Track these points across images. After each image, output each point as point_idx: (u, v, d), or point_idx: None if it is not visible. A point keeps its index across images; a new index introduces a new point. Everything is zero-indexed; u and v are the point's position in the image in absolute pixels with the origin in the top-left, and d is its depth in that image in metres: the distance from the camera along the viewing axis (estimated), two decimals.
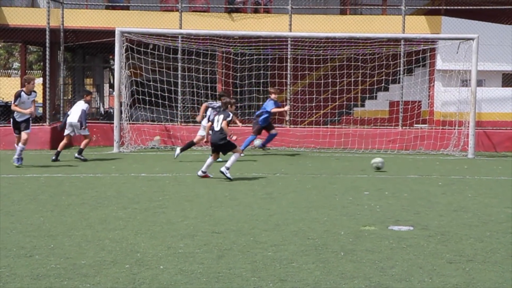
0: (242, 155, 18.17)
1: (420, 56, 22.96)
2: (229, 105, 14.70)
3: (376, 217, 10.41)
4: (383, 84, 24.41)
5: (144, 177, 14.85)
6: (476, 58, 20.25)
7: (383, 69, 23.01)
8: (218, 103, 16.86)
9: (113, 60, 22.94)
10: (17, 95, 16.18)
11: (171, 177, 14.84)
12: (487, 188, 13.84)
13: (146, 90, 22.08)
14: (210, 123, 15.05)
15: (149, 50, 21.48)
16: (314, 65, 22.81)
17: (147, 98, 22.10)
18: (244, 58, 23.18)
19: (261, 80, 23.30)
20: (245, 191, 12.95)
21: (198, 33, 21.49)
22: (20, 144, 16.31)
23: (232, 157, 14.36)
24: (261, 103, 23.00)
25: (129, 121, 21.17)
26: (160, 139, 21.96)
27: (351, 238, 8.94)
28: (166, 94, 22.15)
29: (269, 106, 19.39)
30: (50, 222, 9.75)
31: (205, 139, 16.81)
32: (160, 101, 22.19)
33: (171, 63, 22.05)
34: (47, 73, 21.88)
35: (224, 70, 23.76)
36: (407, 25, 22.51)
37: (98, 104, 31.59)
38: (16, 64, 53.08)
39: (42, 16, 21.97)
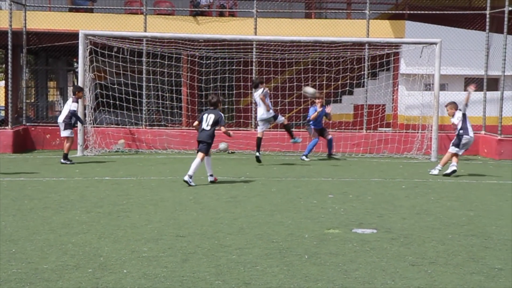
0: (307, 159, 19.26)
1: (384, 60, 23.15)
2: (219, 104, 14.64)
3: (340, 220, 10.46)
4: (347, 88, 24.53)
5: (108, 180, 14.75)
6: (439, 62, 20.47)
7: (348, 73, 23.15)
8: (265, 89, 17.85)
9: (77, 63, 22.79)
10: None
11: (135, 181, 14.76)
12: (450, 191, 13.98)
13: (110, 93, 21.96)
14: (197, 122, 14.57)
15: (113, 53, 21.37)
16: (279, 69, 22.86)
17: (111, 101, 21.98)
18: (209, 61, 23.16)
19: (226, 84, 23.28)
20: (210, 194, 12.92)
21: (163, 36, 21.41)
22: None
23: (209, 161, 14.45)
24: (226, 106, 23.09)
25: (93, 124, 21.01)
26: (124, 142, 21.83)
27: (315, 241, 8.97)
28: (131, 97, 22.04)
29: (310, 112, 19.90)
30: (12, 226, 9.64)
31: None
32: (124, 104, 22.07)
33: (135, 66, 21.96)
34: (9, 76, 21.66)
35: (189, 74, 23.72)
36: (371, 29, 22.68)
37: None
38: None
39: (4, 18, 21.77)
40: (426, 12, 23.68)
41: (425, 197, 13.14)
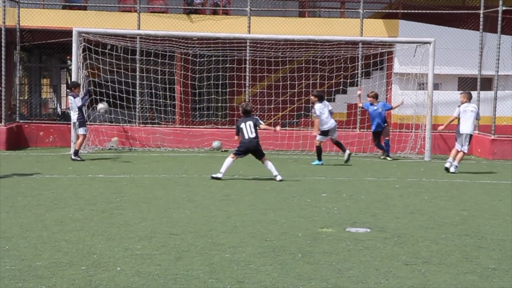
0: (389, 159, 19.77)
1: (378, 59, 23.16)
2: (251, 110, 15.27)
3: (333, 219, 10.46)
4: (341, 87, 24.54)
5: (101, 178, 14.73)
6: (432, 62, 20.49)
7: (341, 72, 23.14)
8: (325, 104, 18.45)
9: (71, 60, 22.71)
10: None
11: (129, 179, 14.74)
12: (443, 191, 14.00)
13: (104, 90, 21.90)
14: (238, 135, 15.08)
15: (107, 51, 21.29)
16: (273, 67, 22.86)
17: (105, 99, 21.92)
18: (202, 59, 23.14)
19: (220, 82, 23.27)
20: (203, 193, 12.92)
21: (157, 34, 21.38)
22: None
23: (270, 164, 14.97)
24: (219, 104, 23.10)
25: (87, 122, 20.93)
26: (118, 140, 21.80)
27: (309, 240, 8.97)
28: (124, 95, 22.01)
29: (366, 107, 20.39)
30: (5, 223, 9.61)
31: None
32: (118, 102, 22.04)
33: (129, 63, 21.90)
34: (3, 73, 21.56)
35: (182, 72, 23.68)
36: (365, 28, 22.68)
37: (55, 104, 31.27)
38: None
39: None
40: (420, 11, 23.69)
41: (419, 196, 13.16)
